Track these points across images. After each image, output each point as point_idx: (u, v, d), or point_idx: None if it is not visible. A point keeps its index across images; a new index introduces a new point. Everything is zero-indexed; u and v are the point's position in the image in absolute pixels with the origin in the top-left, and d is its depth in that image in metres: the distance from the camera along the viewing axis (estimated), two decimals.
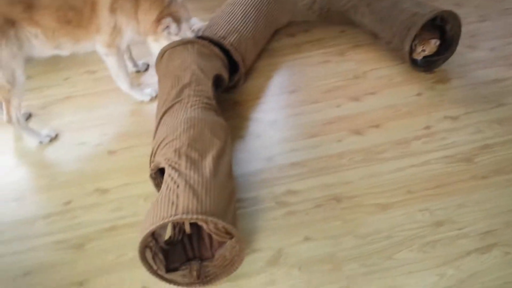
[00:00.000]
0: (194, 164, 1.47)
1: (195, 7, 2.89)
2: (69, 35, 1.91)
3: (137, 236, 1.60)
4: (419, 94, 2.14)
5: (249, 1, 2.36)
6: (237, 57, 2.13)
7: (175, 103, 1.75)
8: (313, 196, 1.74)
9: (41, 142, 2.05)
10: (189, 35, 2.07)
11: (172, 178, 1.43)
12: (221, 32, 2.15)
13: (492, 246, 1.53)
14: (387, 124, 2.01)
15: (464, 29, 2.34)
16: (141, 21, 2.00)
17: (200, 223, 1.41)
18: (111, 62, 2.06)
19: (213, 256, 1.53)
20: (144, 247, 1.37)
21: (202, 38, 2.11)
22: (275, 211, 1.70)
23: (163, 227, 1.50)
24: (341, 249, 1.56)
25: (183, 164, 1.46)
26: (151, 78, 2.36)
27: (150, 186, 1.72)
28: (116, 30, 1.95)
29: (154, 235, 1.43)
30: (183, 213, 1.29)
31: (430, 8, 2.17)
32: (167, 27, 1.97)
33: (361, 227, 1.62)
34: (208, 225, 1.41)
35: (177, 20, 2.00)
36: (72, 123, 2.15)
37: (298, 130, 2.03)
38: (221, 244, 1.52)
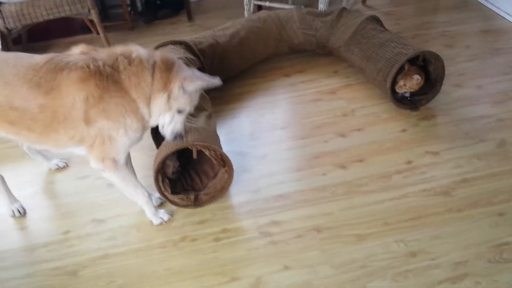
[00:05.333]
0: (194, 116, 1.91)
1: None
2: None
3: (126, 264, 1.73)
4: (403, 131, 2.24)
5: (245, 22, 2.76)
6: (196, 52, 2.44)
7: None
8: (295, 227, 1.82)
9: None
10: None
11: None
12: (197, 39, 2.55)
13: (464, 277, 1.58)
14: (371, 159, 2.09)
15: (452, 69, 2.45)
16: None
17: (204, 150, 1.81)
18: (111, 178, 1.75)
19: (203, 188, 1.94)
20: (158, 171, 1.79)
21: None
22: (257, 240, 1.79)
23: (171, 159, 1.88)
24: (317, 277, 1.62)
25: None
26: None
27: (142, 216, 1.84)
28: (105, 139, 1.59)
29: (164, 164, 1.83)
30: (193, 142, 1.74)
31: (413, 48, 2.29)
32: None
33: (337, 256, 1.69)
34: (210, 152, 1.82)
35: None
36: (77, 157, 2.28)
37: (286, 164, 2.13)
38: (210, 178, 1.95)
